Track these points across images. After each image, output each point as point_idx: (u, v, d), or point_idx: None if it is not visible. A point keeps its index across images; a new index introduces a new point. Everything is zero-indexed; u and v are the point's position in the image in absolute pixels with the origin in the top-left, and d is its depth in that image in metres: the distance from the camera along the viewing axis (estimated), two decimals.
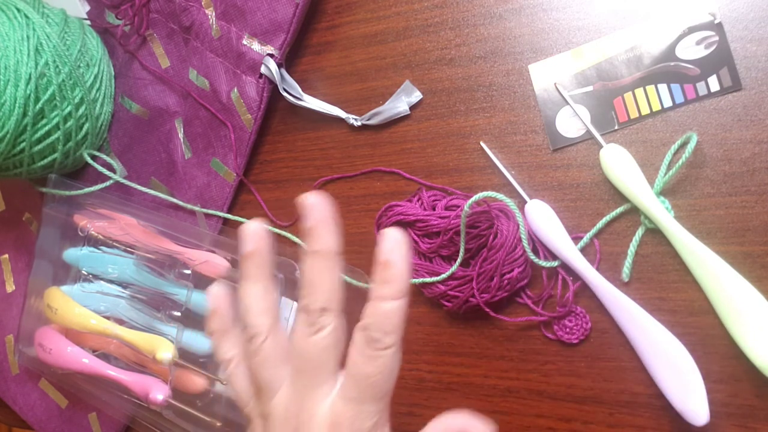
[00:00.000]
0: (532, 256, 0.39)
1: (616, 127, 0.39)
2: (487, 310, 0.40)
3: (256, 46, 0.47)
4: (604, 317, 0.38)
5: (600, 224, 0.38)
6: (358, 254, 0.46)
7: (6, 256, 0.62)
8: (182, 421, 0.47)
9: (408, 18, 0.45)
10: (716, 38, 0.36)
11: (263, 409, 0.31)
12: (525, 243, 0.38)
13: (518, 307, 0.41)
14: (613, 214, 0.38)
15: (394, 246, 0.29)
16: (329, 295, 0.30)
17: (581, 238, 0.39)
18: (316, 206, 0.30)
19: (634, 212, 0.38)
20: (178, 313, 0.47)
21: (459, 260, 0.40)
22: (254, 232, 0.32)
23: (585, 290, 0.39)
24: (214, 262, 0.48)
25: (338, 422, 0.28)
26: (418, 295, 0.43)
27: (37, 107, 0.48)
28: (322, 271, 0.30)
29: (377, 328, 0.29)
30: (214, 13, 0.49)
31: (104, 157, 0.55)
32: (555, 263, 0.39)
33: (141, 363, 0.50)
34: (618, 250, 0.38)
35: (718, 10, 0.36)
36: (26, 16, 0.49)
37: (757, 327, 0.33)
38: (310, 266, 0.31)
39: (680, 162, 0.36)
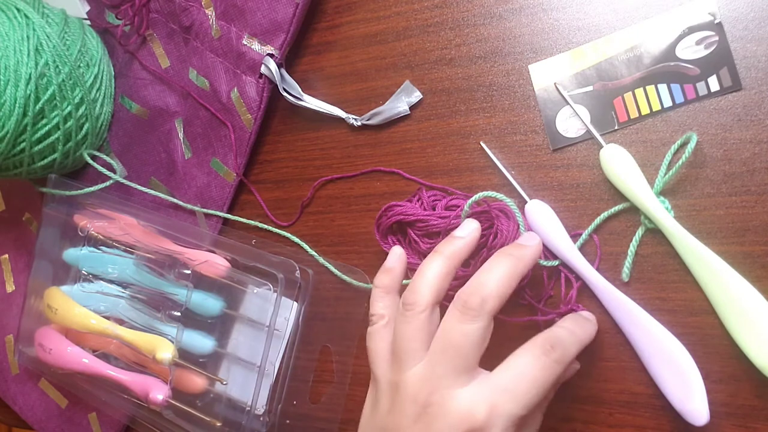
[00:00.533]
0: None
1: (616, 127, 0.39)
2: None
3: (256, 46, 0.47)
4: (604, 317, 0.38)
5: (598, 220, 0.38)
6: (358, 254, 0.46)
7: (6, 256, 0.62)
8: (182, 421, 0.47)
9: (408, 18, 0.45)
10: (716, 38, 0.36)
11: (395, 378, 0.31)
12: None
13: (519, 307, 0.41)
14: (612, 210, 0.38)
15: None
16: (491, 296, 0.30)
17: (580, 234, 0.39)
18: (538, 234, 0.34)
19: (634, 212, 0.38)
20: (178, 313, 0.48)
21: None
22: (476, 225, 0.35)
23: (585, 290, 0.39)
24: (214, 262, 0.48)
25: (475, 412, 0.29)
26: None
27: (37, 107, 0.49)
28: (500, 272, 0.31)
29: (562, 335, 0.31)
30: (214, 13, 0.49)
31: (104, 157, 0.55)
32: (555, 262, 0.39)
33: (141, 363, 0.50)
34: (618, 250, 0.38)
35: (718, 10, 0.36)
36: (26, 16, 0.49)
37: (757, 327, 0.33)
38: (491, 261, 0.32)
39: (680, 162, 0.36)
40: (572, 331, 0.33)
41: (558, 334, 0.32)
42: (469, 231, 0.34)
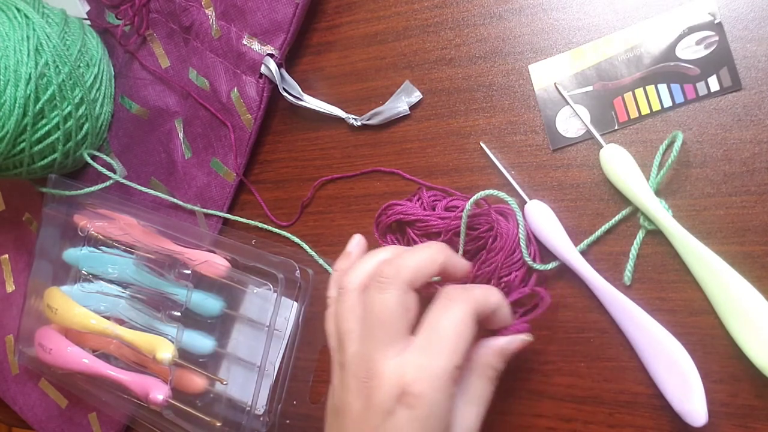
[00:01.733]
0: (527, 259, 0.38)
1: (616, 127, 0.39)
2: None
3: (256, 46, 0.47)
4: (604, 317, 0.38)
5: (599, 232, 0.38)
6: None
7: (6, 256, 0.62)
8: (182, 421, 0.47)
9: (408, 18, 0.45)
10: (716, 38, 0.36)
11: (341, 358, 0.33)
12: (523, 245, 0.38)
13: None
14: (612, 222, 0.38)
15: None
16: (405, 266, 0.32)
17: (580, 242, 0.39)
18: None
19: (634, 213, 0.38)
20: (178, 313, 0.48)
21: None
22: (441, 255, 0.35)
23: (585, 290, 0.39)
24: (214, 262, 0.48)
25: (404, 376, 0.29)
26: None
27: (37, 107, 0.49)
28: (422, 252, 0.33)
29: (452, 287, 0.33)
30: (214, 13, 0.49)
31: (104, 157, 0.55)
32: (549, 266, 0.39)
33: (141, 363, 0.50)
34: (617, 250, 0.38)
35: (718, 10, 0.36)
36: (26, 16, 0.49)
37: (757, 327, 0.33)
38: (415, 246, 0.34)
39: (669, 161, 0.36)
40: (473, 285, 0.35)
41: (458, 286, 0.33)
42: (434, 251, 0.35)
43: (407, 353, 0.30)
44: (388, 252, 0.35)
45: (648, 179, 0.37)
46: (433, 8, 0.44)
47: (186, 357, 0.47)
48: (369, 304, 0.32)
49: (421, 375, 0.29)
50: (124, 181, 0.54)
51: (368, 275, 0.33)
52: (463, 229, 0.39)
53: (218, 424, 0.46)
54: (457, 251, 0.40)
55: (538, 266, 0.39)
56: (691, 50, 0.37)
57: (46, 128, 0.50)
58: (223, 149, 0.50)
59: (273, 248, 0.49)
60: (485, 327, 0.34)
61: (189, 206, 0.52)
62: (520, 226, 0.39)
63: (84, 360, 0.51)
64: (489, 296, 0.33)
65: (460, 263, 0.34)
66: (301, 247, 0.48)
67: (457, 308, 0.31)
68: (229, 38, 0.48)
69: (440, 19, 0.43)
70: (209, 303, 0.48)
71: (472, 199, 0.38)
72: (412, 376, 0.29)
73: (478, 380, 0.33)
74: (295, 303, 0.48)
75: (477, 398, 0.33)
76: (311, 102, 0.47)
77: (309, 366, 0.48)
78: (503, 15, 0.42)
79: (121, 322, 0.50)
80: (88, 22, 0.58)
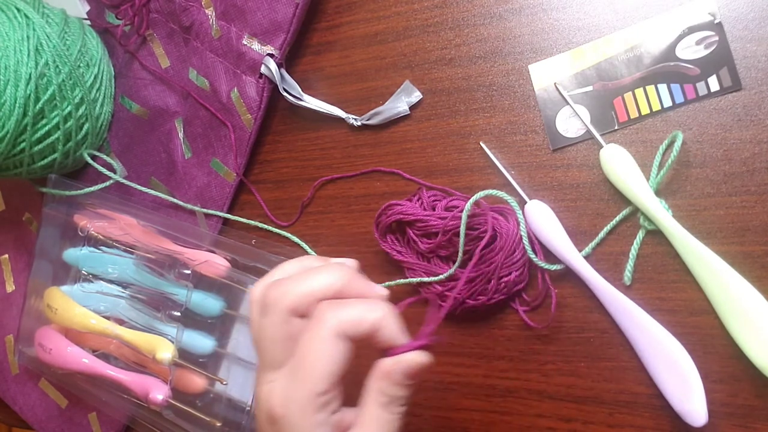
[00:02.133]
0: (534, 257, 0.39)
1: (616, 127, 0.39)
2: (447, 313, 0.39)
3: (256, 46, 0.47)
4: (604, 317, 0.38)
5: (602, 234, 0.38)
6: (358, 254, 0.46)
7: (6, 256, 0.62)
8: (182, 421, 0.47)
9: (408, 18, 0.45)
10: (716, 38, 0.36)
11: None
12: (526, 243, 0.38)
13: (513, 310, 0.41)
14: (614, 222, 0.38)
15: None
16: (287, 293, 0.31)
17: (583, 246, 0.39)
18: (350, 268, 0.32)
19: (634, 213, 0.38)
20: (178, 313, 0.48)
21: (458, 262, 0.40)
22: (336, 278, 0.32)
23: (585, 290, 0.39)
24: (214, 262, 0.48)
25: (270, 401, 0.30)
26: (416, 294, 0.43)
27: (37, 107, 0.48)
28: (313, 279, 0.31)
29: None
30: (214, 13, 0.49)
31: (104, 157, 0.55)
32: (554, 267, 0.39)
33: (141, 363, 0.50)
34: (618, 250, 0.38)
35: (718, 10, 0.36)
36: (26, 16, 0.49)
37: (757, 327, 0.33)
38: (318, 268, 0.32)
39: (669, 161, 0.36)
40: (352, 300, 0.31)
41: (332, 302, 0.31)
42: (333, 277, 0.32)
43: (279, 378, 0.30)
44: (295, 266, 0.33)
45: (648, 179, 0.37)
46: (433, 8, 0.44)
47: (186, 357, 0.47)
48: (253, 328, 0.32)
49: (283, 401, 0.29)
50: (124, 181, 0.54)
51: (284, 297, 0.31)
52: (462, 229, 0.39)
53: (218, 424, 0.46)
54: (457, 251, 0.40)
55: (544, 265, 0.39)
56: (691, 50, 0.37)
57: (46, 128, 0.50)
58: (223, 149, 0.50)
59: (273, 248, 0.49)
60: (375, 347, 0.31)
61: (189, 206, 0.52)
62: (521, 225, 0.39)
63: (84, 360, 0.51)
64: (364, 313, 0.30)
65: (367, 290, 0.31)
66: (301, 247, 0.48)
67: (319, 329, 0.29)
68: (229, 38, 0.48)
69: (440, 19, 0.43)
70: (209, 303, 0.48)
71: (472, 199, 0.38)
72: (275, 401, 0.30)
73: (370, 407, 0.30)
74: None
75: (370, 427, 0.30)
76: (311, 102, 0.47)
77: None
78: (503, 15, 0.42)
79: (121, 322, 0.50)
80: (88, 22, 0.58)
